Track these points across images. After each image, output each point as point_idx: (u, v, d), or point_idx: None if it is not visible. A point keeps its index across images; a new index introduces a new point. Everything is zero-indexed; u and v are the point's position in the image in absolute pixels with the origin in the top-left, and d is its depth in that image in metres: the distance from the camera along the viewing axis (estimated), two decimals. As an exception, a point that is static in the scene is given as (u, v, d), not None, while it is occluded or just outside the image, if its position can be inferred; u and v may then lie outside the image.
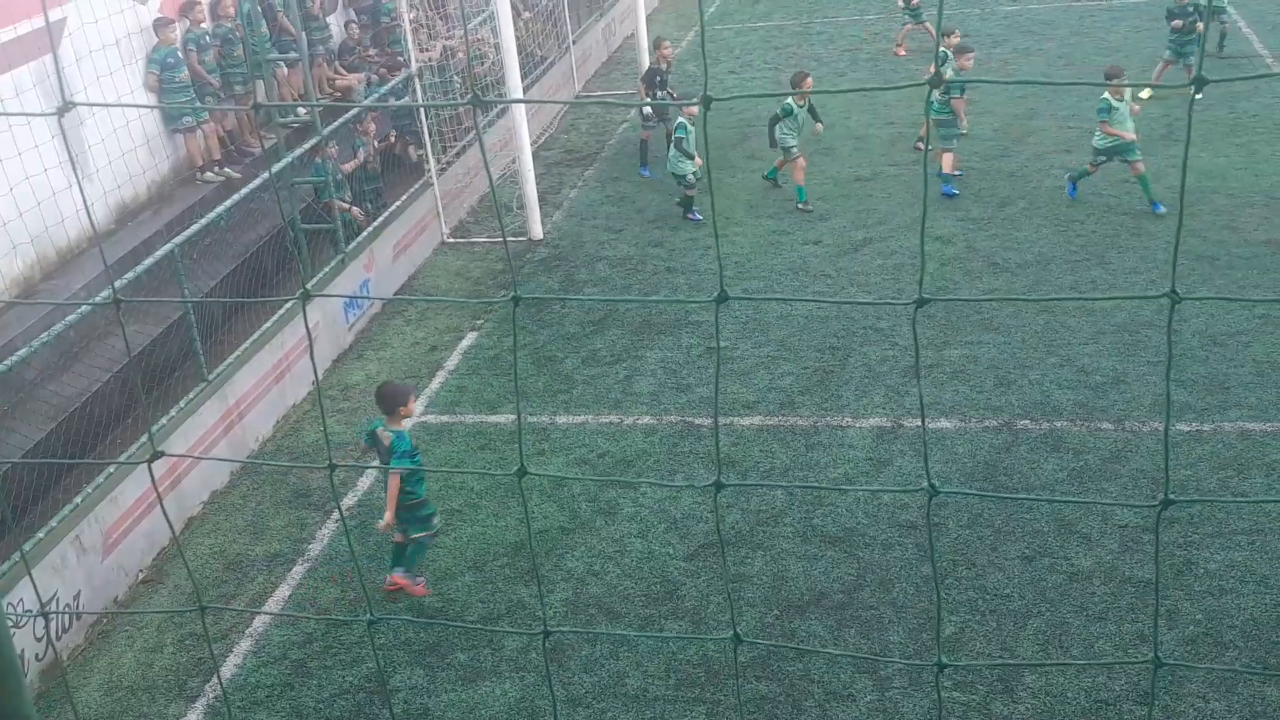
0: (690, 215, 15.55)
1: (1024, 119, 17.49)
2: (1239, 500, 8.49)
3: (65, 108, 2.42)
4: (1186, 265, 12.78)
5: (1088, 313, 12.11)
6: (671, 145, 15.36)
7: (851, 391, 11.27)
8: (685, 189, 15.43)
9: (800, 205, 15.36)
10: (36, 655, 8.73)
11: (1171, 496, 2.39)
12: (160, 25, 14.07)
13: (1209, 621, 8.10)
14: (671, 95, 16.90)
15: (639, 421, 11.17)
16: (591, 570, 9.27)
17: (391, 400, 8.80)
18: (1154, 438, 10.08)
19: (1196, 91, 2.46)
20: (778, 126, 15.44)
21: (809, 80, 15.43)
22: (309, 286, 2.80)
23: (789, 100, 15.31)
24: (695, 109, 15.05)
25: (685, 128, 15.05)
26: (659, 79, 16.65)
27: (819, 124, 16.01)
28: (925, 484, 2.57)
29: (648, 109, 16.47)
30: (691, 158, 15.09)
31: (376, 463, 9.38)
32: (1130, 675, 7.73)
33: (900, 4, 21.56)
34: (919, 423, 10.70)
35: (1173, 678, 7.66)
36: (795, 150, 15.34)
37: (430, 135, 15.83)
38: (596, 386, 11.84)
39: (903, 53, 21.14)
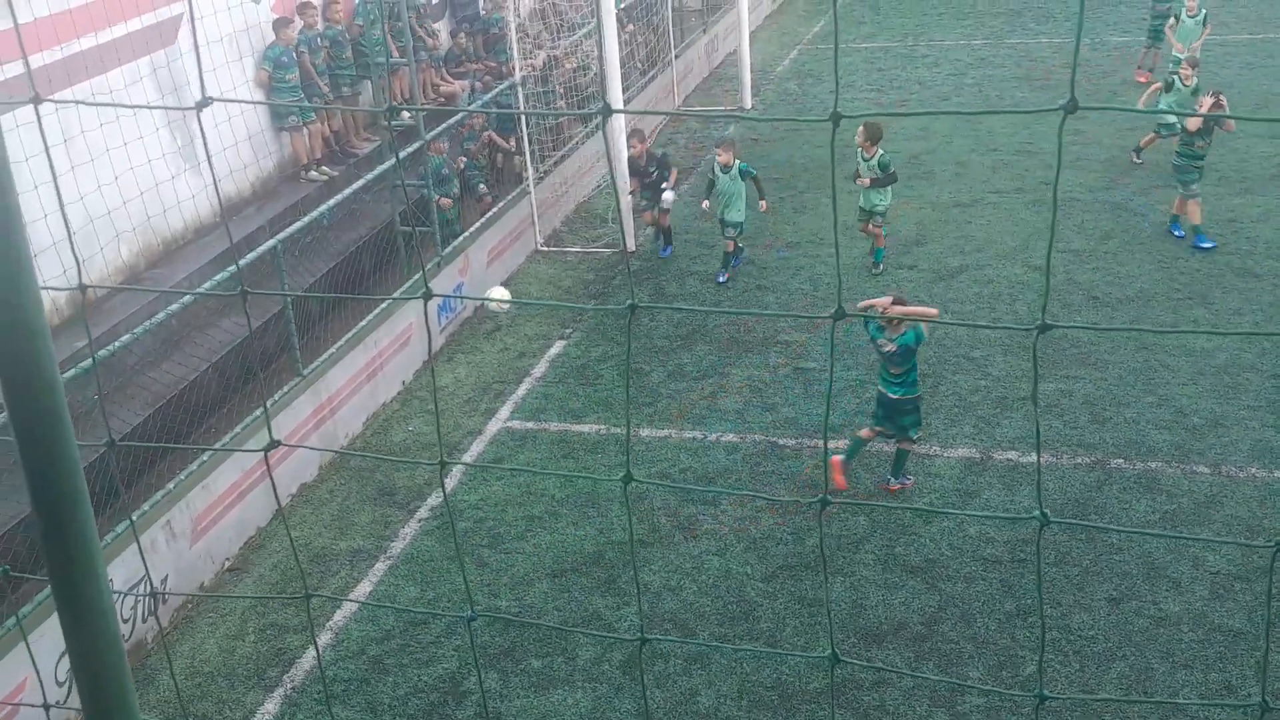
0: (728, 272, 14.38)
1: (1132, 152, 17.13)
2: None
3: (204, 103, 2.48)
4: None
5: (1187, 353, 11.81)
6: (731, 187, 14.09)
7: (941, 420, 11.11)
8: (732, 239, 14.31)
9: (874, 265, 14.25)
10: (123, 635, 8.95)
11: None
12: (280, 24, 14.38)
13: None
14: (666, 175, 15.13)
15: (722, 439, 11.14)
16: (668, 585, 9.25)
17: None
18: (1250, 484, 9.80)
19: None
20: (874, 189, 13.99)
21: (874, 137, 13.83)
22: (427, 285, 2.84)
23: (863, 156, 13.96)
24: (727, 158, 14.04)
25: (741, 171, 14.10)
26: (642, 168, 15.15)
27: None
28: (1037, 512, 2.53)
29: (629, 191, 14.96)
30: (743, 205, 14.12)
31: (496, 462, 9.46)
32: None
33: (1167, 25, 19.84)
34: (1009, 455, 10.52)
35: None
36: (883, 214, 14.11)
37: (530, 144, 15.97)
38: (681, 401, 11.83)
39: (1143, 79, 19.82)
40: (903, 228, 15.39)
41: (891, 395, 9.81)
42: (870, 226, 14.24)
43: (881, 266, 14.26)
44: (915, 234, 15.24)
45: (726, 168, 14.09)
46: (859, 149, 14.13)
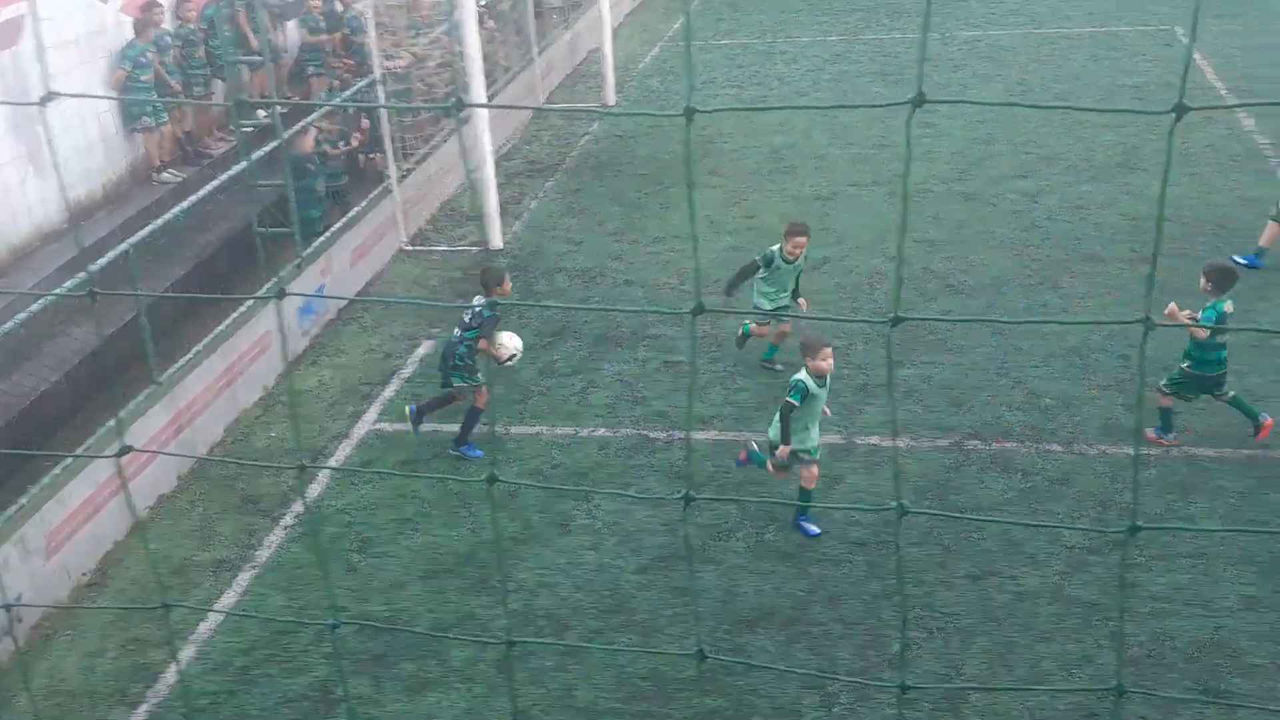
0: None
1: (982, 143, 17.68)
2: (1203, 529, 8.61)
3: (48, 98, 2.40)
4: (1137, 291, 12.95)
5: (1039, 336, 12.23)
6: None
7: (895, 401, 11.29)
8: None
9: (765, 362, 11.98)
10: (-25, 658, 8.58)
11: (1140, 524, 2.43)
12: (141, 24, 13.97)
13: (1152, 644, 8.19)
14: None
15: (594, 433, 11.16)
16: (543, 582, 9.25)
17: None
18: (1101, 461, 10.20)
19: (1178, 119, 2.50)
20: (755, 278, 11.62)
21: (802, 240, 11.41)
22: (281, 287, 2.79)
23: (772, 249, 11.58)
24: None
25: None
26: None
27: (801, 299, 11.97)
28: (894, 503, 2.60)
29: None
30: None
31: (351, 465, 9.33)
32: (1073, 695, 7.80)
33: None
34: (872, 440, 10.77)
35: (1115, 700, 7.73)
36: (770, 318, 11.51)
37: (391, 142, 15.78)
38: (552, 398, 11.82)
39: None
40: (767, 221, 15.60)
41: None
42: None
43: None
44: (779, 227, 15.44)
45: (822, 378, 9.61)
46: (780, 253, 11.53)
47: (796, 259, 11.52)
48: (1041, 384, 11.41)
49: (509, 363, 11.20)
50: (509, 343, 11.14)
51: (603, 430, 11.20)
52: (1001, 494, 9.89)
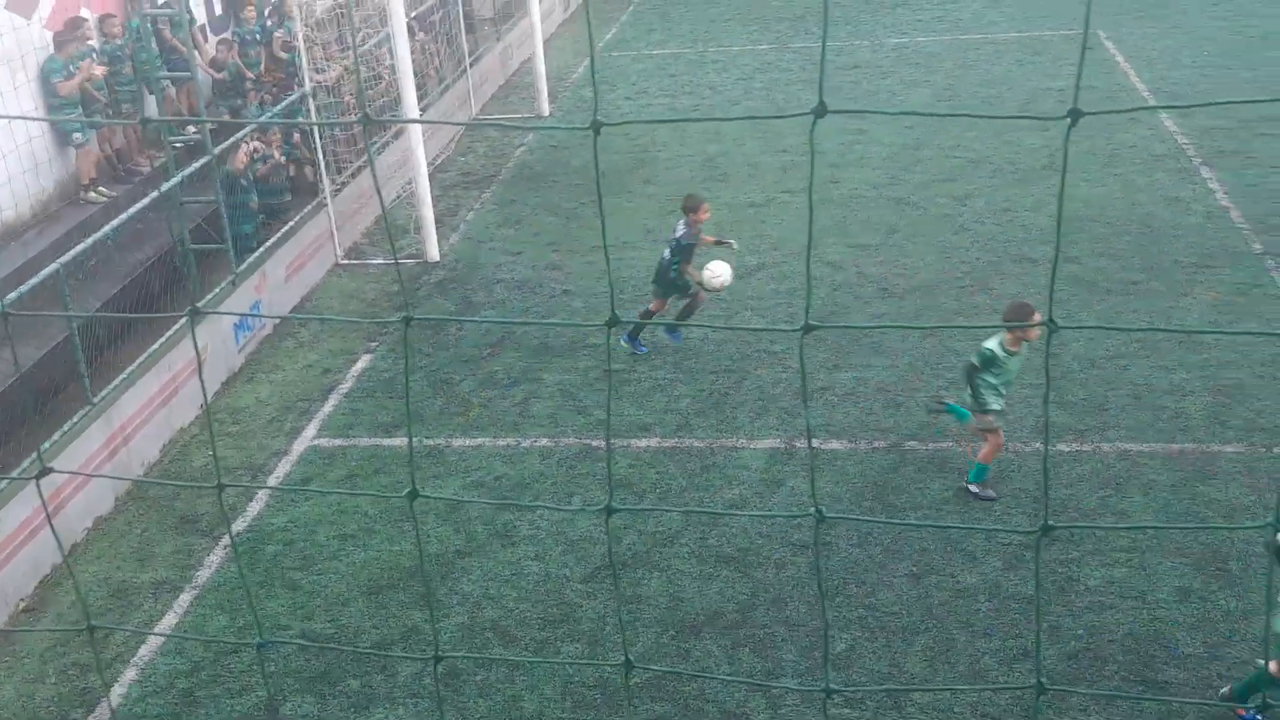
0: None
1: (911, 149, 17.93)
2: (1121, 527, 8.80)
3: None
4: (1068, 291, 13.21)
5: (971, 338, 12.41)
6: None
7: (746, 414, 11.42)
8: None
9: (972, 486, 10.03)
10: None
11: (1051, 523, 2.51)
12: (63, 39, 13.76)
13: (1090, 637, 8.37)
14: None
15: (536, 444, 11.18)
16: (488, 594, 9.25)
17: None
18: (1035, 458, 10.40)
19: (1073, 124, 2.59)
20: (978, 378, 9.85)
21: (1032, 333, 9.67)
22: (194, 304, 2.79)
23: (990, 345, 9.75)
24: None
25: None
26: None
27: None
28: (813, 509, 2.67)
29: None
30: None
31: (274, 484, 9.26)
32: (1015, 691, 7.95)
33: None
34: (813, 443, 10.88)
35: (1052, 684, 7.89)
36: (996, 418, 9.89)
37: (325, 156, 15.69)
38: (493, 409, 11.82)
39: None
40: (704, 229, 15.68)
41: None
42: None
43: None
44: (714, 234, 15.56)
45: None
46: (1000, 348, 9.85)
47: (1018, 351, 9.80)
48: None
49: (720, 290, 12.50)
50: (722, 272, 12.26)
51: (545, 440, 11.22)
52: (940, 493, 10.05)
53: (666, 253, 12.41)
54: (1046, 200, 15.72)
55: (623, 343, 12.66)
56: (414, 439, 11.41)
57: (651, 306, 12.75)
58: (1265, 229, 14.29)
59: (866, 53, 23.34)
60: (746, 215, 16.14)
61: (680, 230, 12.32)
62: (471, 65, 21.53)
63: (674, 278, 12.36)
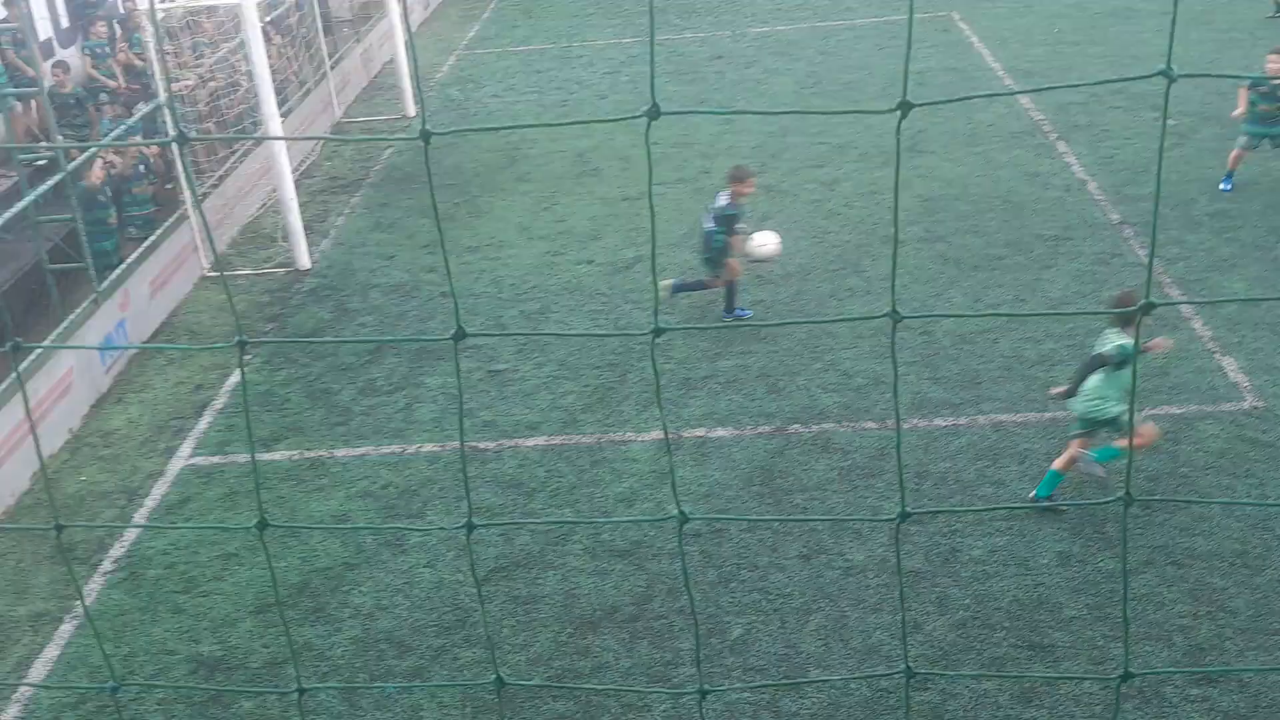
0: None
1: (779, 136, 18.16)
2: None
3: None
4: (935, 269, 13.53)
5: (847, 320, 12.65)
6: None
7: (632, 407, 11.45)
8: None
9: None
10: None
11: (908, 510, 2.56)
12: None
13: (977, 606, 8.59)
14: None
15: (422, 450, 11.05)
16: (380, 605, 9.12)
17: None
18: (913, 434, 10.63)
19: (903, 116, 2.65)
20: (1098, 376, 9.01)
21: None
22: (20, 341, 2.69)
23: (1122, 340, 8.78)
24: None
25: None
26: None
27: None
28: (675, 510, 2.69)
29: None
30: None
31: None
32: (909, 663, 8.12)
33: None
34: (697, 432, 10.97)
35: (947, 661, 8.10)
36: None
37: (185, 166, 15.26)
38: (376, 416, 11.65)
39: None
40: (577, 225, 15.71)
41: None
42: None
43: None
44: (590, 229, 15.60)
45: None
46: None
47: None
48: (852, 364, 11.81)
49: (767, 260, 12.66)
50: (769, 241, 12.51)
51: (431, 446, 11.10)
52: (824, 474, 10.21)
53: (710, 223, 12.43)
54: (911, 180, 16.06)
55: (724, 319, 12.74)
56: (294, 452, 11.19)
57: (708, 282, 12.74)
58: (1122, 199, 14.81)
59: (729, 43, 23.56)
60: (621, 209, 16.18)
61: (722, 200, 12.41)
62: (332, 68, 21.17)
63: (719, 247, 12.36)
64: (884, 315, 2.76)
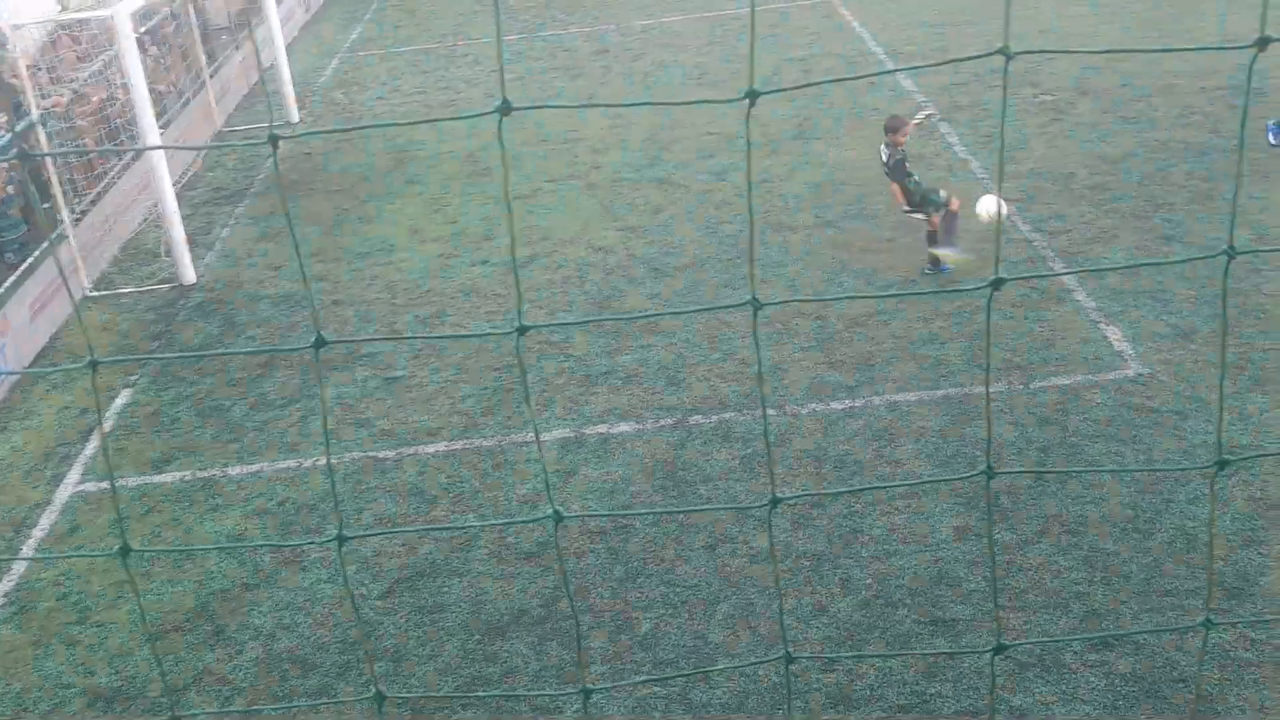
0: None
1: (669, 128, 18.19)
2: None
3: None
4: (828, 253, 13.66)
5: (743, 309, 12.71)
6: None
7: (533, 407, 11.37)
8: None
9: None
10: None
11: (779, 495, 2.55)
12: None
13: (879, 585, 8.69)
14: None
15: (319, 463, 10.86)
16: (282, 624, 8.93)
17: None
18: (812, 419, 10.71)
19: (752, 104, 2.64)
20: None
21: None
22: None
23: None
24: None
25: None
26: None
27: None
28: (550, 509, 2.65)
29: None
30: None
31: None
32: (813, 647, 8.19)
33: None
34: (599, 429, 10.93)
35: (851, 641, 8.18)
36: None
37: (61, 184, 14.81)
38: (269, 431, 11.42)
39: None
40: (470, 225, 15.58)
41: None
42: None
43: None
44: (484, 230, 15.46)
45: None
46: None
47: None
48: (750, 352, 11.87)
49: (989, 222, 12.13)
50: (985, 208, 12.03)
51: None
52: (726, 463, 10.24)
53: (900, 178, 12.87)
54: (799, 168, 16.20)
55: (926, 271, 12.95)
56: (186, 473, 10.92)
57: (931, 223, 12.93)
58: (1003, 176, 15.09)
59: (615, 36, 23.54)
60: (515, 208, 16.06)
61: (884, 154, 12.86)
62: (211, 76, 20.71)
63: (914, 189, 12.86)
64: (745, 304, 2.75)
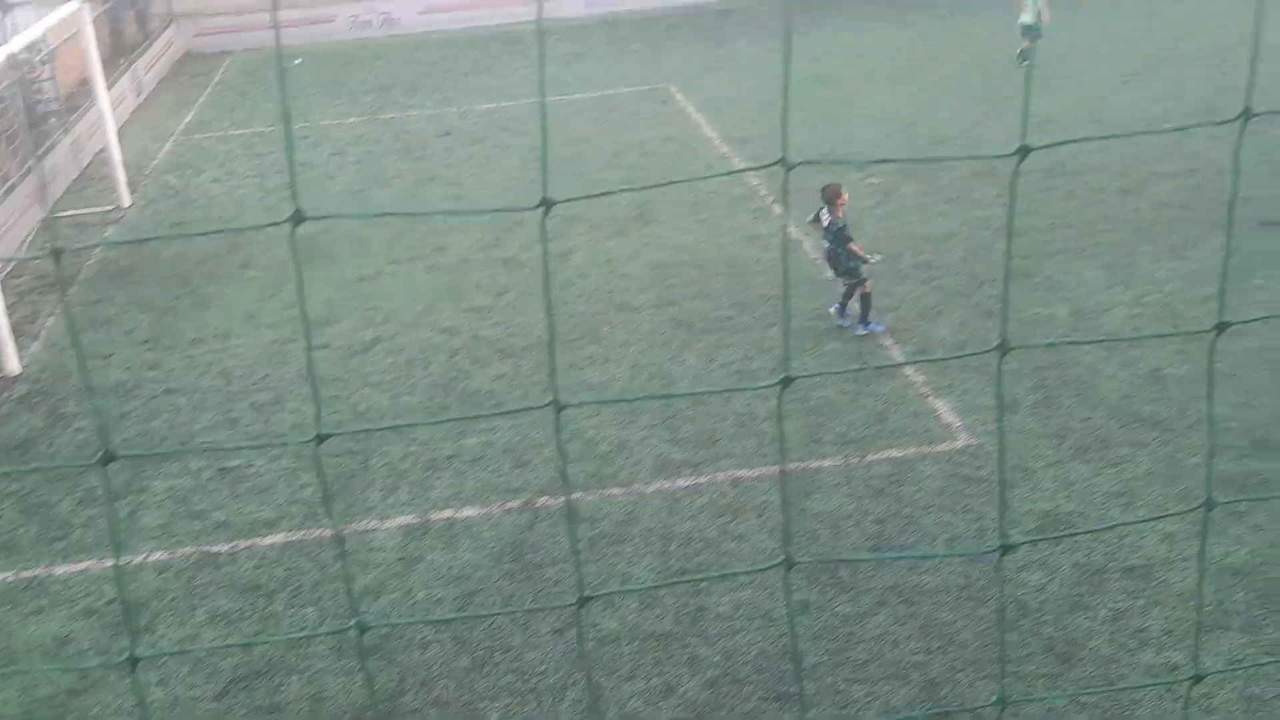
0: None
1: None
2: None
3: None
4: (669, 332, 13.87)
5: (588, 388, 12.82)
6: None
7: (376, 493, 11.20)
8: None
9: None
10: None
11: (586, 596, 2.59)
12: None
13: (726, 662, 8.76)
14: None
15: (150, 558, 10.46)
16: (111, 730, 8.53)
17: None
18: (658, 497, 10.81)
19: (546, 212, 2.73)
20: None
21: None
22: None
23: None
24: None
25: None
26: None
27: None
28: (353, 621, 2.64)
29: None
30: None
31: None
32: (663, 726, 8.19)
33: None
34: (445, 514, 10.81)
35: (697, 715, 8.20)
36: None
37: None
38: (98, 528, 10.97)
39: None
40: (311, 309, 15.35)
41: None
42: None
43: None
44: (325, 314, 15.25)
45: None
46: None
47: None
48: (595, 432, 11.93)
49: (876, 260, 13.70)
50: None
51: (160, 554, 10.52)
52: (575, 543, 10.23)
53: (827, 244, 13.50)
54: (642, 249, 16.47)
55: (859, 331, 13.47)
56: (8, 574, 10.40)
57: (864, 290, 13.42)
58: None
59: (456, 119, 23.68)
60: (356, 290, 15.92)
61: (827, 219, 13.34)
62: (38, 161, 20.06)
63: (846, 262, 13.34)
64: (546, 405, 2.80)
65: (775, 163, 2.68)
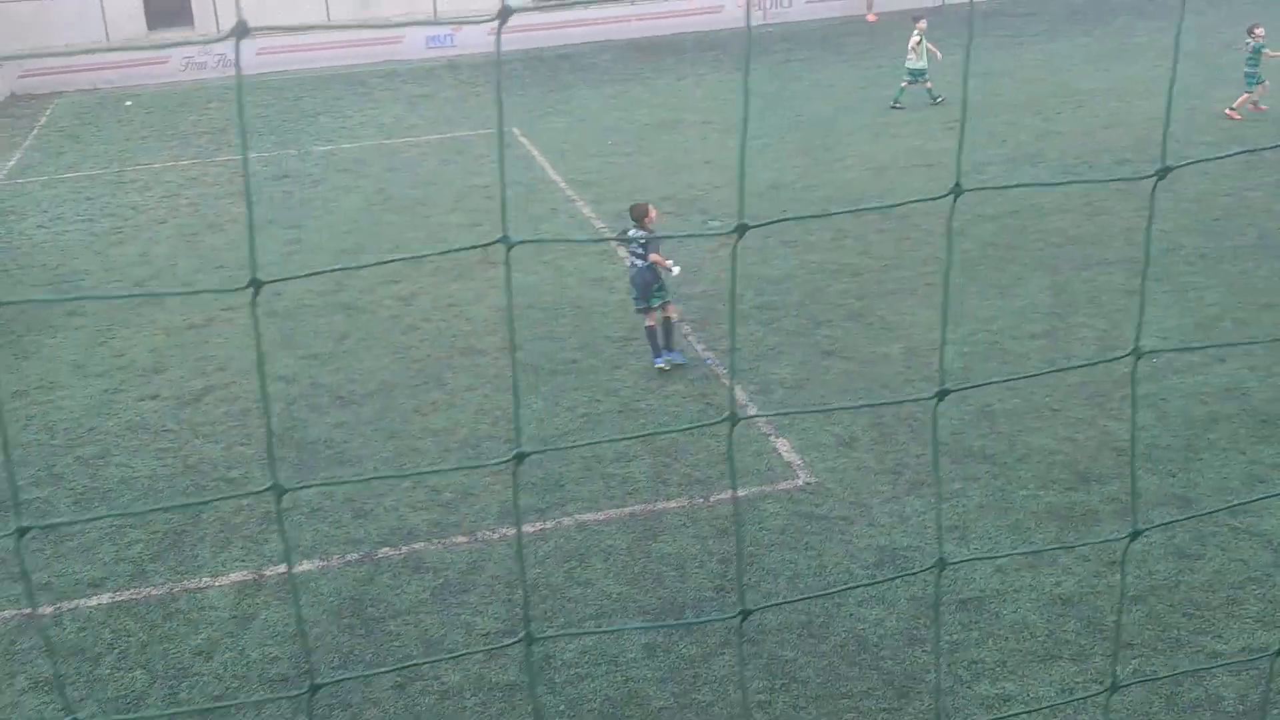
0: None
1: (352, 253, 18.05)
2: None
3: None
4: (515, 378, 13.78)
5: (431, 434, 12.64)
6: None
7: (207, 550, 10.80)
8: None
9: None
10: None
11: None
12: None
13: (571, 711, 8.66)
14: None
15: (-38, 625, 9.88)
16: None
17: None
18: (505, 544, 10.69)
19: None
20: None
21: None
22: None
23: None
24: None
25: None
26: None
27: None
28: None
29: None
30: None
31: None
32: (509, 779, 8.04)
33: None
34: (281, 569, 10.49)
35: (546, 771, 8.08)
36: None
37: None
38: (-95, 594, 10.32)
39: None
40: (138, 358, 14.81)
41: None
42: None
43: None
44: (152, 363, 14.74)
45: None
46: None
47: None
48: (440, 479, 11.75)
49: (676, 274, 13.56)
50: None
51: (-26, 619, 9.95)
52: (417, 596, 10.03)
53: (638, 262, 13.41)
54: (487, 291, 16.38)
55: (659, 364, 13.59)
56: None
57: (648, 323, 13.64)
58: (678, 299, 15.76)
59: (295, 161, 23.26)
60: (187, 338, 15.43)
61: (634, 233, 13.25)
62: None
63: (652, 284, 13.37)
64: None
65: (497, 240, 2.68)
